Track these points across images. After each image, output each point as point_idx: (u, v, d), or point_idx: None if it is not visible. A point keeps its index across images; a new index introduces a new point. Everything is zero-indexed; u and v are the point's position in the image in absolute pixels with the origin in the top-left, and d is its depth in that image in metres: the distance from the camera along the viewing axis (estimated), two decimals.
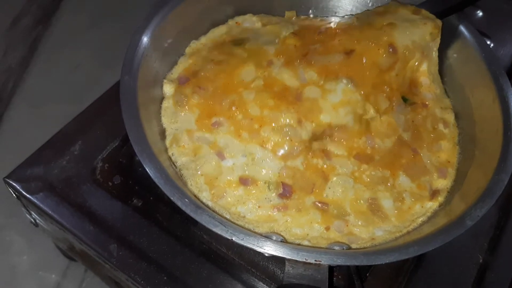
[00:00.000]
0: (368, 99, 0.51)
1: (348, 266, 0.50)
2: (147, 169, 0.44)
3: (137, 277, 0.50)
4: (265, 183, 0.49)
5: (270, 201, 0.48)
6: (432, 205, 0.51)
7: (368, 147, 0.51)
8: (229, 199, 0.48)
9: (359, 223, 0.49)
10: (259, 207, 0.48)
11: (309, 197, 0.49)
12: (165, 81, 0.55)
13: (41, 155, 0.58)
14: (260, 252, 0.41)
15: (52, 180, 0.56)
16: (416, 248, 0.42)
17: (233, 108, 0.51)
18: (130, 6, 1.02)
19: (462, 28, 0.57)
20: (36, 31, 1.03)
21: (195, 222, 0.42)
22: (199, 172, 0.49)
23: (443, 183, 0.52)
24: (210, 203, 0.48)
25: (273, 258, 0.51)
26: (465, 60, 0.57)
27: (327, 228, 0.48)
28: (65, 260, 0.73)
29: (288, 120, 0.50)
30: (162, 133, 0.52)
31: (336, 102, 0.50)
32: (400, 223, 0.49)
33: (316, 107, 0.50)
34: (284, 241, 0.45)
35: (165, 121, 0.53)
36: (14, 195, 0.57)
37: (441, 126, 0.55)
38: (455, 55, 0.58)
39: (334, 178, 0.50)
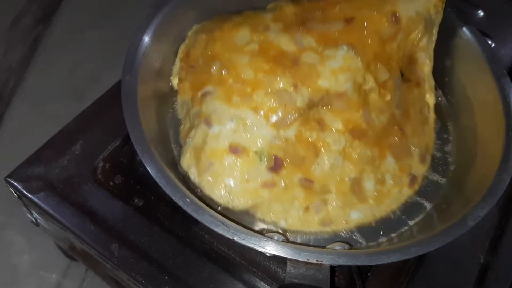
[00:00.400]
0: (368, 68, 0.50)
1: (349, 266, 0.50)
2: (148, 169, 0.44)
3: (138, 276, 0.50)
4: (256, 153, 0.47)
5: (260, 174, 0.47)
6: (407, 191, 0.51)
7: (364, 122, 0.49)
8: (216, 169, 0.47)
9: (338, 203, 0.48)
10: (247, 180, 0.47)
11: (298, 173, 0.48)
12: (171, 77, 0.55)
13: (42, 154, 0.57)
14: (261, 252, 0.41)
15: (53, 179, 0.56)
16: (417, 248, 0.42)
17: (223, 72, 0.48)
18: (131, 6, 1.02)
19: (463, 28, 0.57)
20: (37, 30, 1.03)
21: (196, 222, 0.42)
22: (190, 147, 0.48)
23: (421, 169, 0.52)
24: (196, 180, 0.47)
25: (275, 258, 0.51)
26: (466, 60, 0.57)
27: (306, 208, 0.48)
28: (66, 259, 0.73)
29: (283, 85, 0.47)
30: (166, 132, 0.52)
31: (335, 68, 0.48)
32: (376, 207, 0.49)
33: (314, 72, 0.48)
34: (285, 241, 0.45)
35: (180, 115, 0.53)
36: (15, 194, 0.57)
37: (426, 110, 0.55)
38: (456, 55, 0.58)
39: (325, 154, 0.48)
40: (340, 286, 0.51)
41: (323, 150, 0.48)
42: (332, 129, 0.48)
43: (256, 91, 0.47)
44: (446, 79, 0.60)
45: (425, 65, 0.55)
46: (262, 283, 0.51)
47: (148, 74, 0.51)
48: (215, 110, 0.48)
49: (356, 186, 0.49)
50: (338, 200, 0.48)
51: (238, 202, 0.47)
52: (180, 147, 0.54)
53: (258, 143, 0.47)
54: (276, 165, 0.47)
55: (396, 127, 0.51)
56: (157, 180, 0.43)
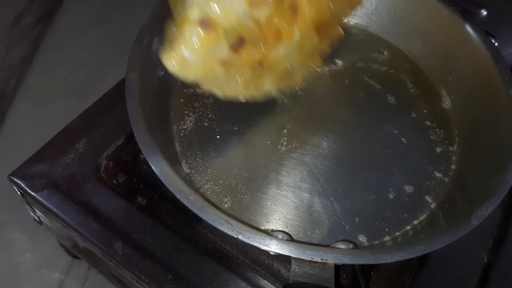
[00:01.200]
0: None
1: (353, 265, 0.50)
2: (152, 167, 0.44)
3: (141, 275, 0.50)
4: (224, 30, 0.45)
5: (221, 51, 0.45)
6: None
7: (328, 12, 0.49)
8: (178, 39, 0.44)
9: (271, 81, 0.50)
10: (206, 56, 0.45)
11: (254, 56, 0.48)
12: None
13: (45, 152, 0.57)
14: (265, 251, 0.41)
15: (57, 178, 0.56)
16: (422, 247, 0.41)
17: None
18: (134, 4, 1.02)
19: (467, 27, 0.57)
20: (38, 29, 1.03)
21: (199, 220, 0.42)
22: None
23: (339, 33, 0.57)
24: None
25: (278, 256, 0.51)
26: (470, 59, 0.57)
27: (246, 85, 0.49)
28: (69, 258, 0.73)
29: None
30: (169, 129, 0.52)
31: None
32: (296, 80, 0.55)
33: None
34: (290, 240, 0.45)
35: None
36: (18, 192, 0.56)
37: None
38: (460, 54, 0.58)
39: (285, 42, 0.48)
40: (344, 285, 0.51)
41: (285, 37, 0.48)
42: (301, 18, 0.48)
43: None
44: (450, 78, 0.60)
45: None
46: (266, 282, 0.51)
47: (152, 72, 0.52)
48: None
49: (292, 69, 0.51)
50: (273, 79, 0.50)
51: (191, 74, 0.46)
52: (183, 145, 0.54)
53: (229, 18, 0.45)
54: (238, 45, 0.46)
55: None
56: (161, 178, 0.43)
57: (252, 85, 0.50)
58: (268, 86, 0.52)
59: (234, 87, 0.48)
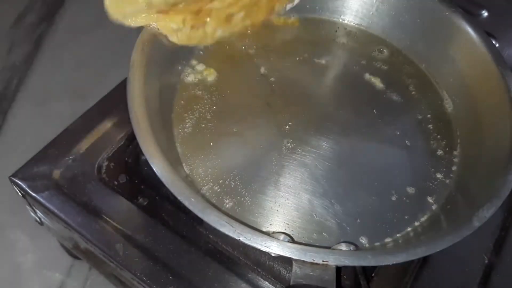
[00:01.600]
0: None
1: (354, 267, 0.50)
2: (154, 169, 0.44)
3: (143, 276, 0.50)
4: None
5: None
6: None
7: None
8: None
9: (213, 25, 0.54)
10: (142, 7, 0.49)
11: (192, 6, 0.52)
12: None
13: (46, 153, 0.57)
14: (266, 252, 0.41)
15: (58, 178, 0.55)
16: (424, 248, 0.41)
17: None
18: None
19: (468, 28, 0.57)
20: (40, 28, 1.02)
21: (200, 221, 0.42)
22: None
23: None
24: None
25: (279, 258, 0.51)
26: (472, 61, 0.57)
27: (193, 26, 0.53)
28: (70, 258, 0.73)
29: None
30: (171, 130, 0.52)
31: None
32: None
33: None
34: (291, 242, 0.45)
35: None
36: (19, 193, 0.56)
37: None
38: (461, 55, 0.58)
39: None
40: (345, 286, 0.51)
41: None
42: None
43: None
44: (451, 80, 0.60)
45: None
46: (267, 283, 0.51)
47: (154, 72, 0.52)
48: None
49: (230, 16, 0.56)
50: (213, 24, 0.55)
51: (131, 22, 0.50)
52: (184, 146, 0.54)
53: None
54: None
55: None
56: (162, 179, 0.43)
57: (198, 28, 0.54)
58: (211, 30, 0.55)
59: (184, 31, 0.53)
